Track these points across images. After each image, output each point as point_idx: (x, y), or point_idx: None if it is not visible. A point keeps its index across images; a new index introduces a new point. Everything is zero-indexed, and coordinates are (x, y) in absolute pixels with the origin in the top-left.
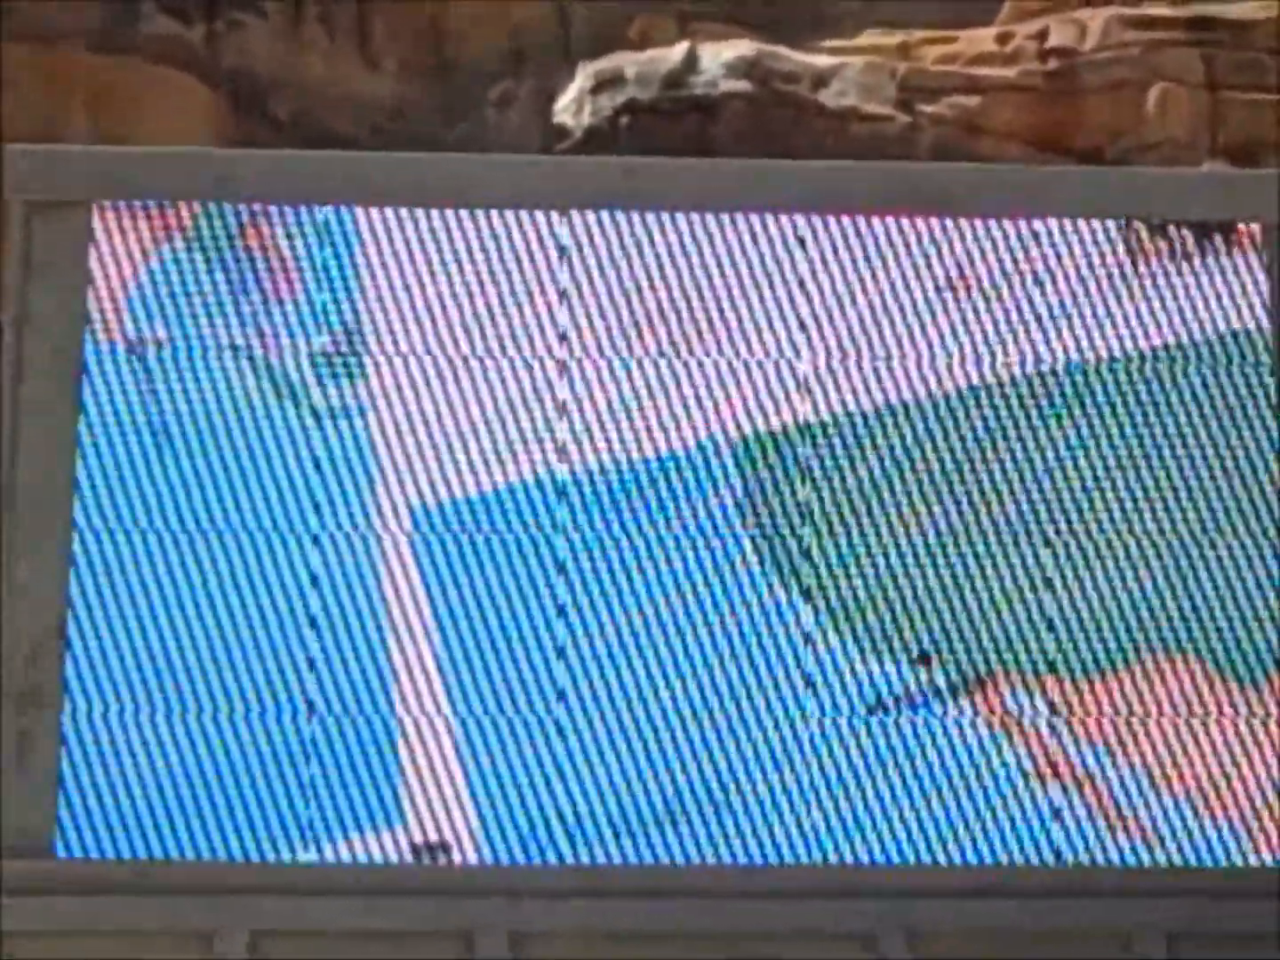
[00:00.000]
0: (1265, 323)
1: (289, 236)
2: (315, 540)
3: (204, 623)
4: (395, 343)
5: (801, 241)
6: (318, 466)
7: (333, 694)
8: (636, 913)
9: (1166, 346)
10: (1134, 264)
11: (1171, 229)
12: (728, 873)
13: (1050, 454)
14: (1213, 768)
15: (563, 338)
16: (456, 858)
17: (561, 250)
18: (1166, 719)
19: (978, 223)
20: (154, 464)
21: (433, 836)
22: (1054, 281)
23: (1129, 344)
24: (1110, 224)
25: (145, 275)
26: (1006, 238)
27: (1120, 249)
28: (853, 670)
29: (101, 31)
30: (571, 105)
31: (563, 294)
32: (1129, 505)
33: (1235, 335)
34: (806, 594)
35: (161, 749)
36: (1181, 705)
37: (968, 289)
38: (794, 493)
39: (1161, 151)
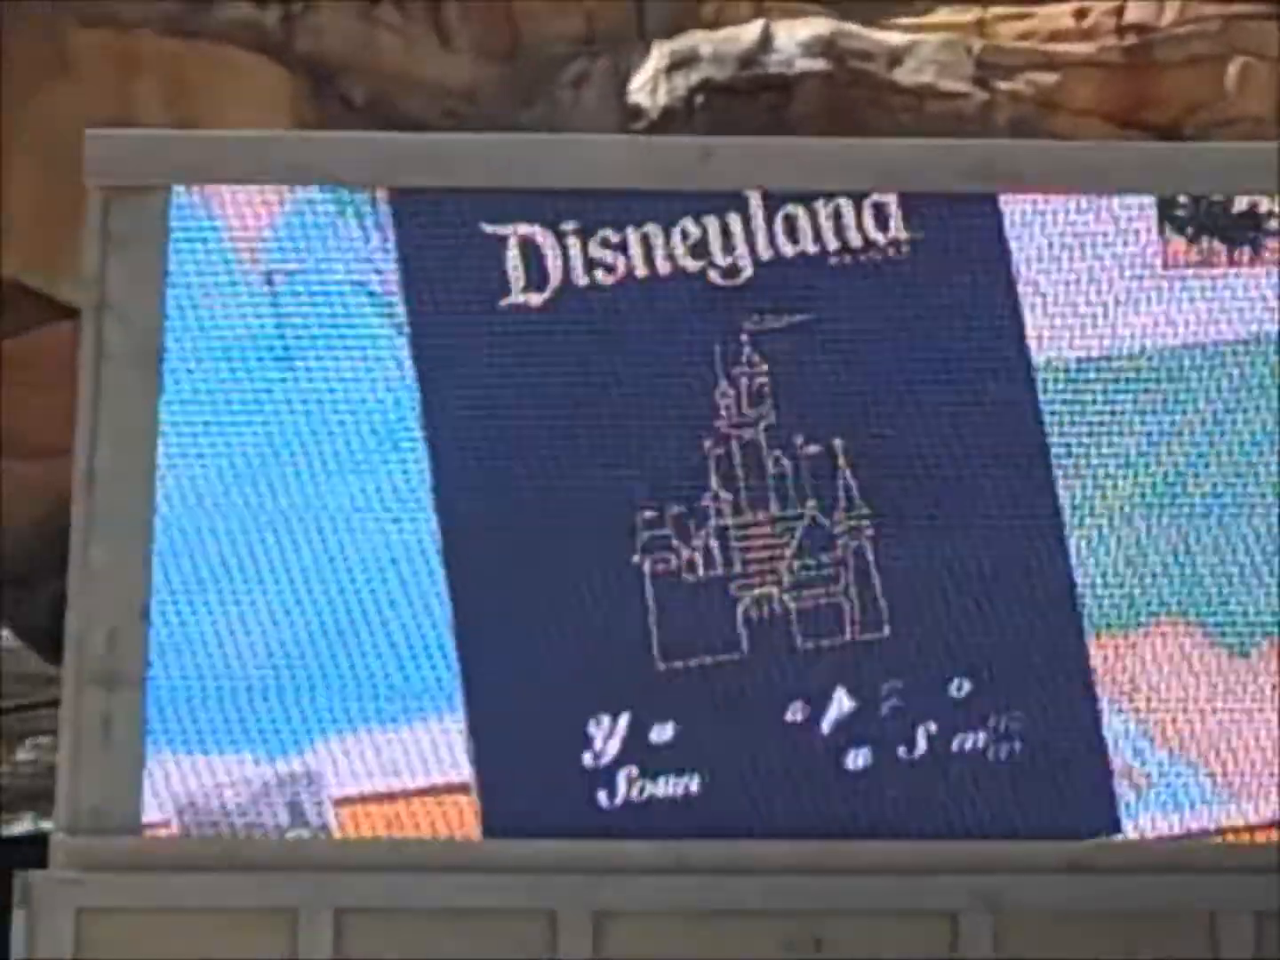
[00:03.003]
0: None
1: None
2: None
3: (294, 600)
4: None
5: (883, 221)
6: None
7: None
8: (720, 890)
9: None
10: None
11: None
12: (810, 850)
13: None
14: None
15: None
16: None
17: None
18: None
19: (1062, 199)
20: (241, 444)
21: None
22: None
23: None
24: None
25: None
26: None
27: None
28: None
29: (175, 16)
30: (647, 85)
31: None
32: None
33: None
34: None
35: (243, 726)
36: None
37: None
38: None
39: (1240, 127)
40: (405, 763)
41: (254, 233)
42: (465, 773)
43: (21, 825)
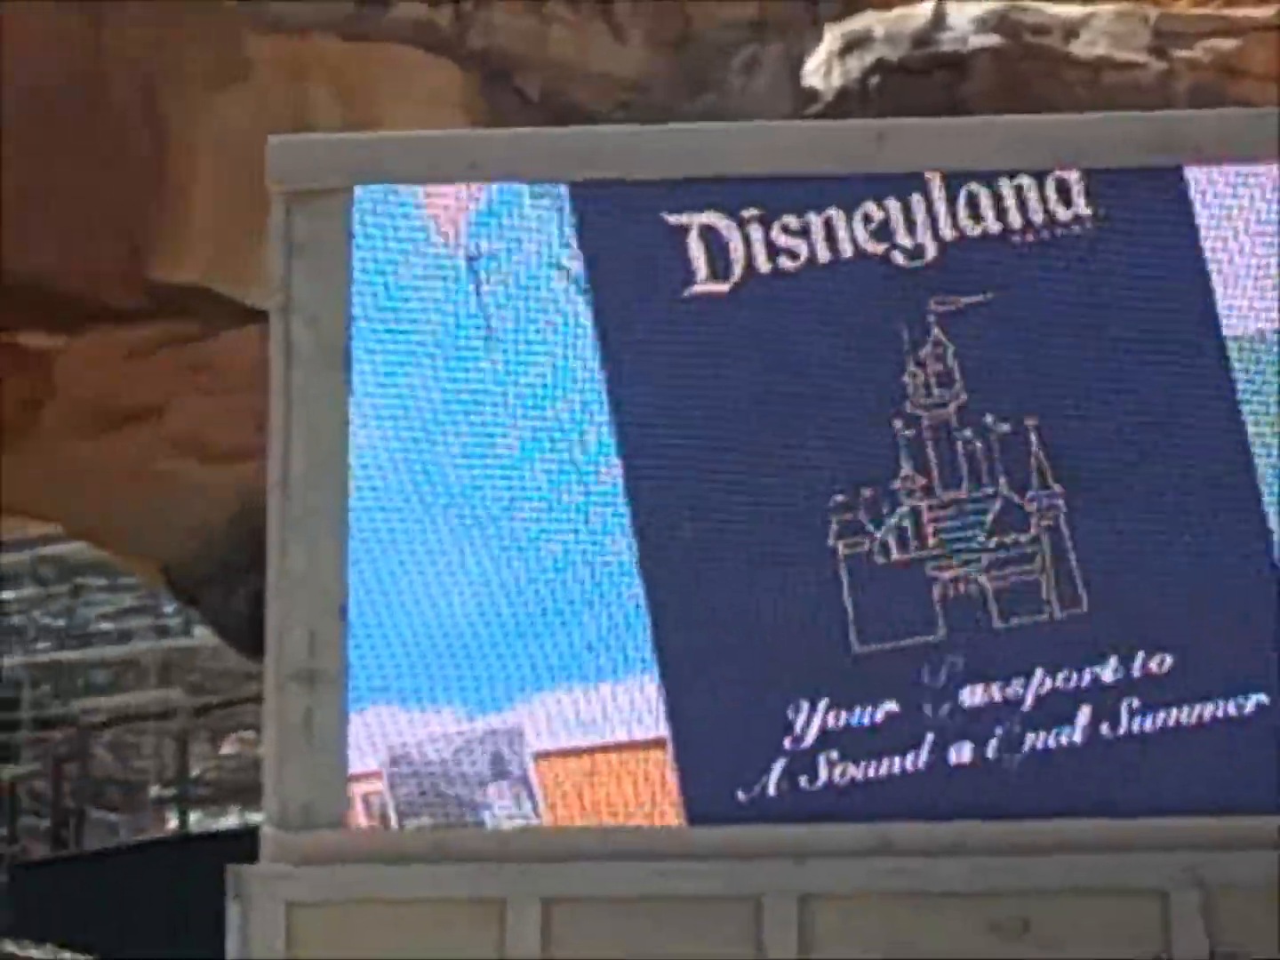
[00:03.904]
0: None
1: None
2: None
3: (494, 577)
4: None
5: (1066, 197)
6: None
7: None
8: (925, 872)
9: None
10: None
11: None
12: (1015, 830)
13: None
14: None
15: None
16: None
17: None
18: None
19: (1248, 168)
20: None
21: None
22: None
23: None
24: None
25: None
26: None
27: None
28: None
29: (348, 18)
30: (820, 68)
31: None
32: None
33: None
34: None
35: (448, 684)
36: None
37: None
38: None
39: None
40: (602, 719)
41: (444, 227)
42: (662, 729)
43: (229, 819)
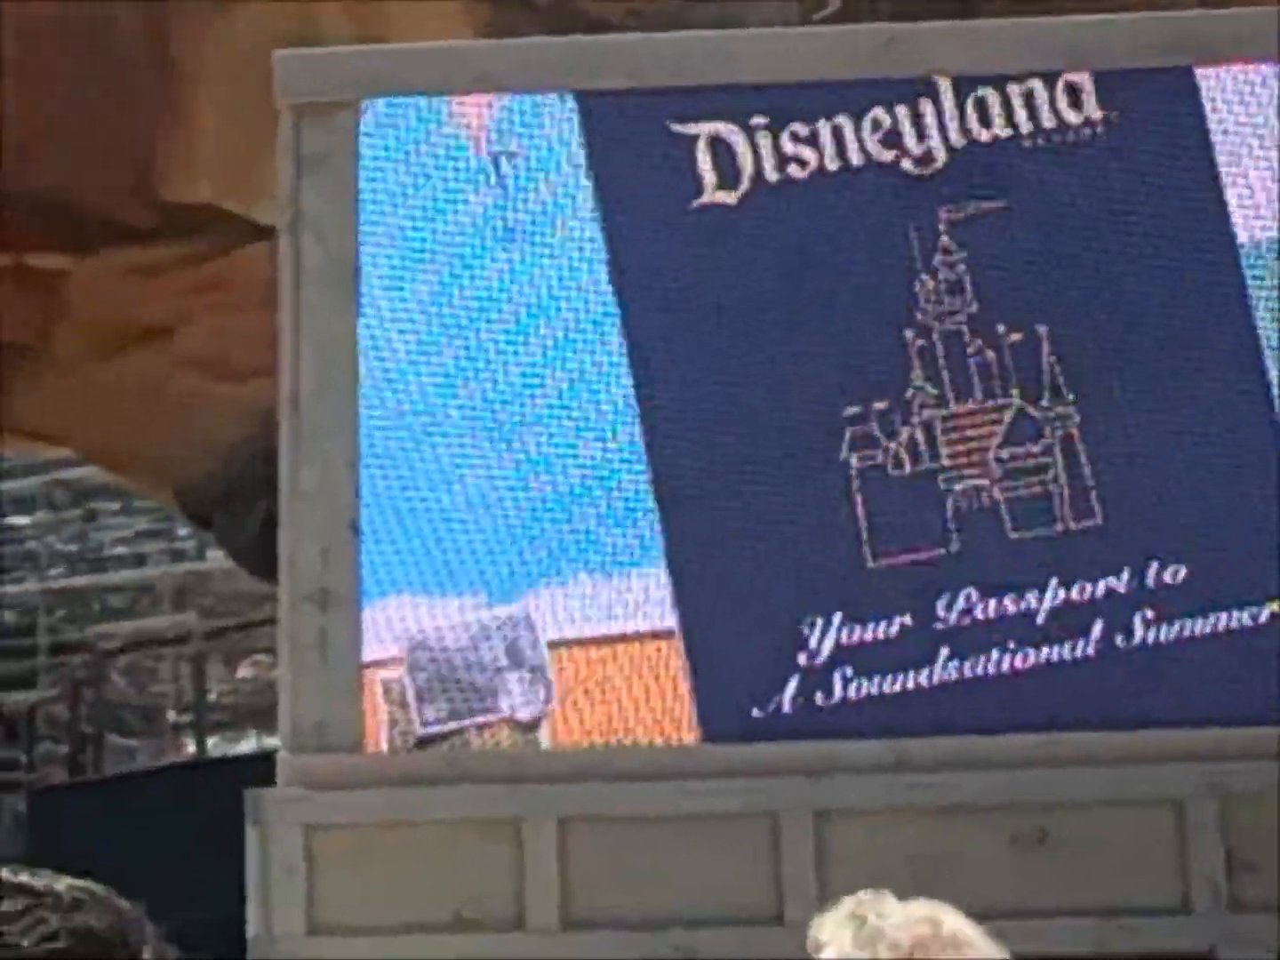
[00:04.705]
0: None
1: None
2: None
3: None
4: None
5: (1076, 100)
6: None
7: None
8: (943, 786)
9: None
10: None
11: None
12: (1031, 742)
13: None
14: None
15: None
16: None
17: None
18: None
19: (1260, 69)
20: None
21: None
22: None
23: None
24: None
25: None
26: None
27: None
28: None
29: None
30: None
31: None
32: None
33: None
34: None
35: (465, 573)
36: None
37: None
38: None
39: None
40: (612, 610)
41: (470, 133)
42: (670, 620)
43: (246, 743)
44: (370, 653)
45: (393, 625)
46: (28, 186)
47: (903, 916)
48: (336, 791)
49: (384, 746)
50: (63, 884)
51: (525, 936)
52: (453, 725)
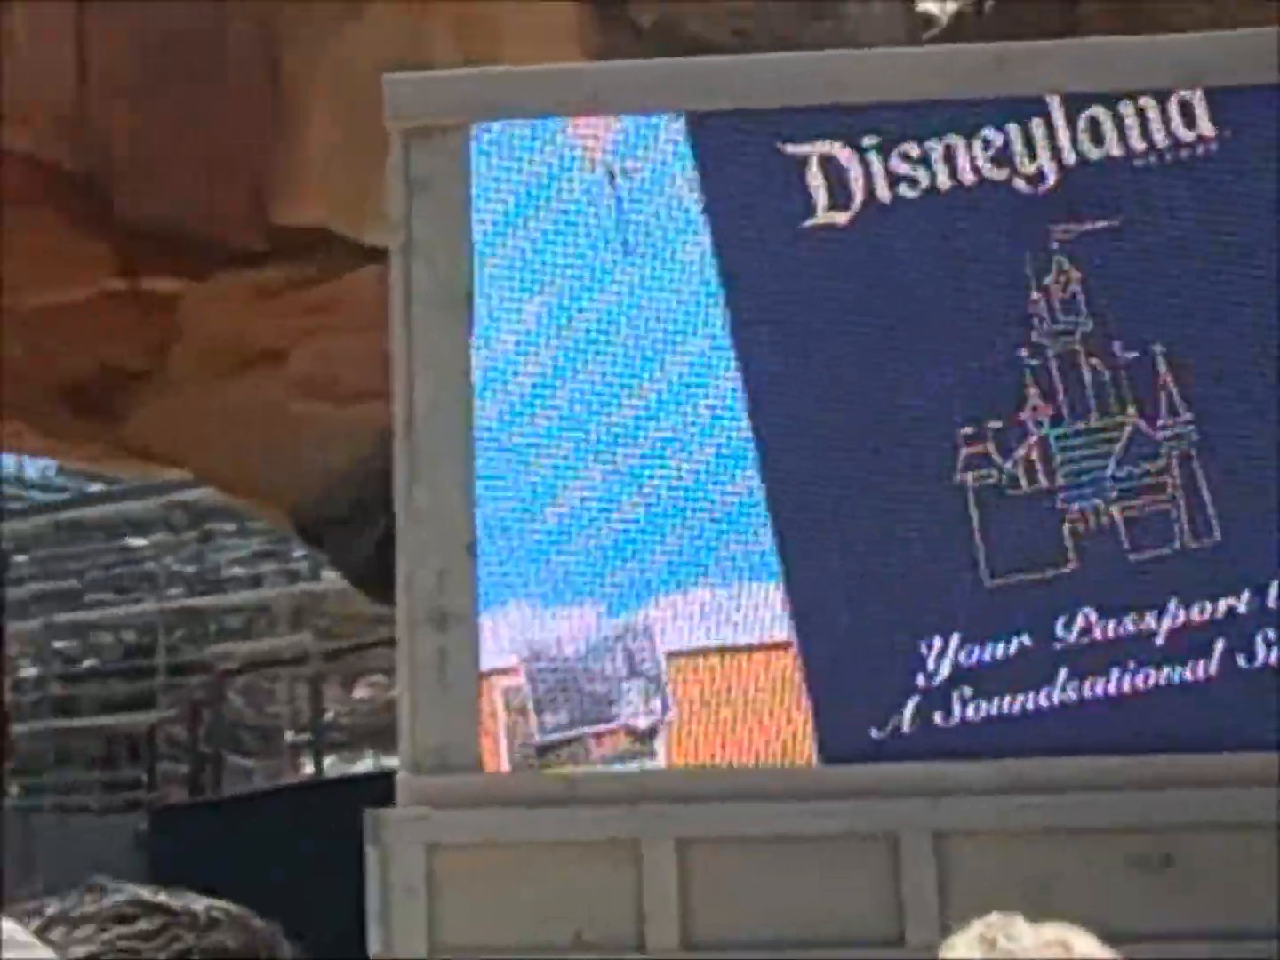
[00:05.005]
0: None
1: None
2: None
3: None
4: None
5: (1189, 118)
6: None
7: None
8: (1064, 808)
9: None
10: None
11: None
12: (1154, 764)
13: None
14: None
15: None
16: None
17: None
18: None
19: None
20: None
21: None
22: None
23: None
24: None
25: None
26: None
27: None
28: None
29: None
30: None
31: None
32: None
33: None
34: None
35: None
36: None
37: None
38: None
39: None
40: (730, 620)
41: (585, 154)
42: (788, 633)
43: (363, 762)
44: (490, 661)
45: (513, 634)
46: (142, 212)
47: (1034, 939)
48: (456, 811)
49: (504, 755)
50: (200, 904)
51: (646, 959)
52: (573, 733)
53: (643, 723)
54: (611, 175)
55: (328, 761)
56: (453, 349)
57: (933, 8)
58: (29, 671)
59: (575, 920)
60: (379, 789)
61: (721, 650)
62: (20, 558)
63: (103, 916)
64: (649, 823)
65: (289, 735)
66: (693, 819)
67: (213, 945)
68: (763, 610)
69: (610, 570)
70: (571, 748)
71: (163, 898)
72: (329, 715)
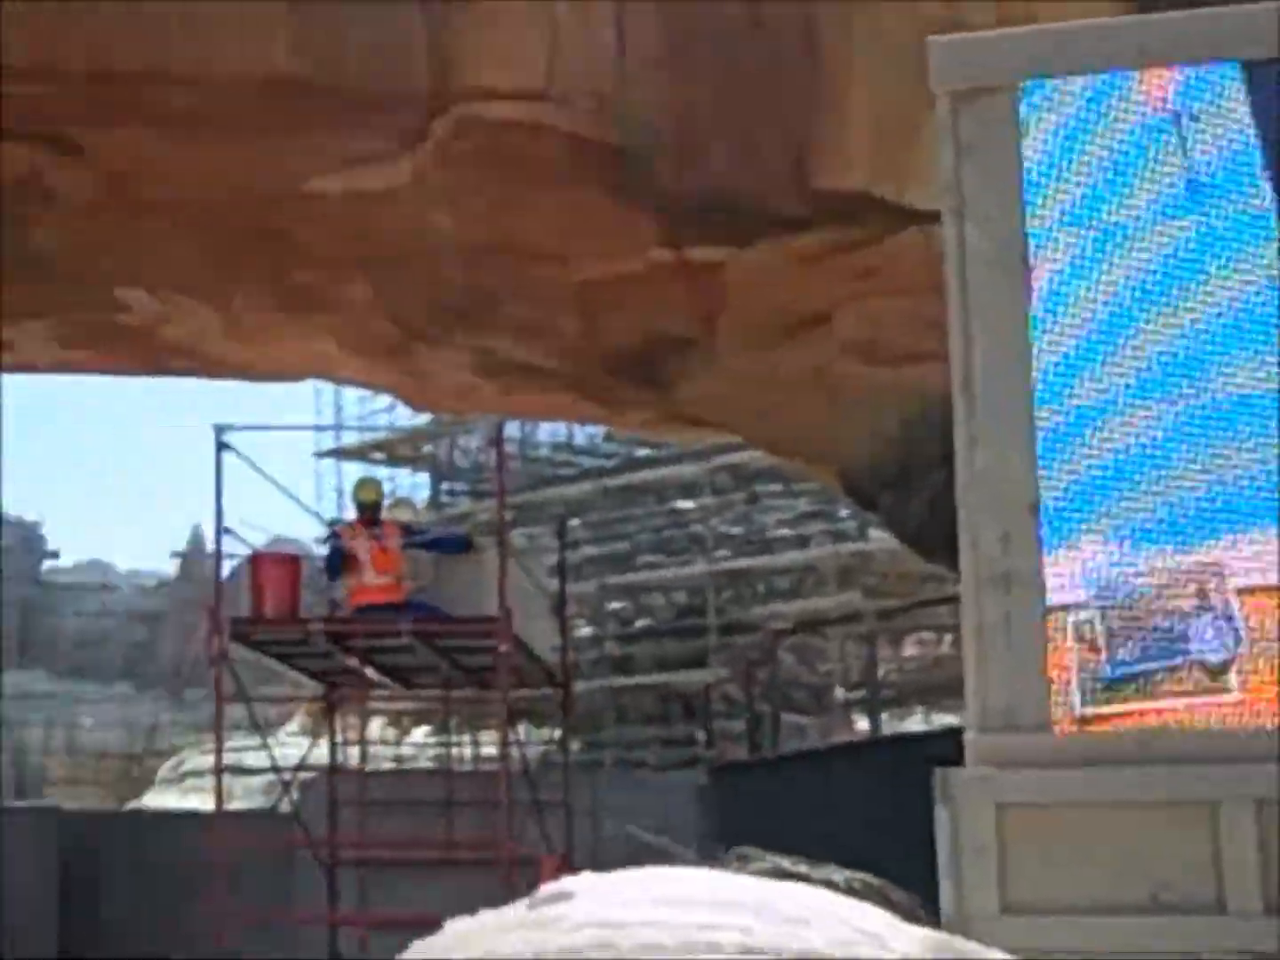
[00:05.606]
0: None
1: None
2: None
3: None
4: None
5: None
6: None
7: None
8: None
9: None
10: None
11: None
12: None
13: None
14: None
15: None
16: None
17: None
18: None
19: None
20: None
21: None
22: None
23: None
24: None
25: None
26: None
27: None
28: None
29: None
30: None
31: None
32: None
33: None
34: None
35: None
36: None
37: None
38: None
39: None
40: None
41: (1151, 104)
42: None
43: (914, 719)
44: (1060, 596)
45: (1084, 570)
46: (687, 184)
47: None
48: (1025, 771)
49: (1073, 687)
50: (840, 875)
51: (1227, 920)
52: (1142, 667)
53: (1214, 658)
54: (1178, 121)
55: (880, 719)
56: (1010, 308)
57: None
58: (585, 631)
59: (1150, 881)
60: (934, 746)
61: None
62: (574, 521)
63: None
64: (1224, 784)
65: (840, 693)
66: (1271, 779)
67: None
68: None
69: (1181, 510)
70: (1140, 683)
71: (803, 868)
72: (880, 673)
